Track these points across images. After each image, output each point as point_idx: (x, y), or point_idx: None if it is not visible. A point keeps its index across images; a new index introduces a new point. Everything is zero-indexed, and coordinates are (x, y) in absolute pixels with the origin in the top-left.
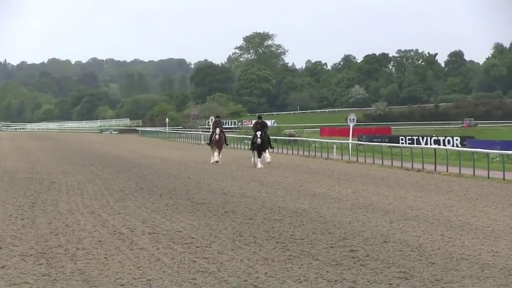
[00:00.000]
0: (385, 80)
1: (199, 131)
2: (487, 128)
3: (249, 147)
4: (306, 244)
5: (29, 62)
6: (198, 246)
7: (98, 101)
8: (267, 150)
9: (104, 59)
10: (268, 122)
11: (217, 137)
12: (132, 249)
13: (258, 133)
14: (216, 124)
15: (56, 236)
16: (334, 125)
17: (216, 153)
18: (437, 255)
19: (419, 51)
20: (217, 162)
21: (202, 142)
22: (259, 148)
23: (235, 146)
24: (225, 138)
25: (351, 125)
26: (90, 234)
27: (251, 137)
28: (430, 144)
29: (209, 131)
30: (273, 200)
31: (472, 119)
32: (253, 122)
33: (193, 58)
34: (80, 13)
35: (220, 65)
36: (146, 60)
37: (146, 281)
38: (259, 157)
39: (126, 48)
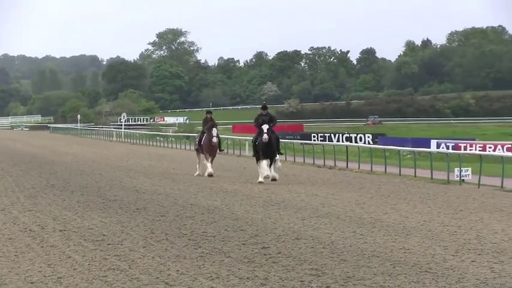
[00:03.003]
0: (297, 77)
1: (111, 128)
2: (399, 126)
3: (252, 153)
4: (218, 241)
5: None
6: (109, 244)
7: (9, 98)
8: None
9: (16, 55)
10: (180, 119)
11: (214, 139)
12: (42, 247)
13: (265, 127)
14: (211, 123)
15: None
16: (246, 122)
17: (207, 162)
18: (349, 252)
19: (332, 49)
20: (210, 175)
21: (114, 139)
22: (266, 150)
23: (147, 143)
24: (220, 142)
25: None
26: (0, 232)
27: (253, 136)
28: (342, 141)
29: (120, 128)
30: (185, 197)
31: (377, 116)
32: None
33: (105, 54)
34: None
35: (132, 61)
36: (58, 57)
37: (57, 279)
38: (271, 164)
39: (37, 45)
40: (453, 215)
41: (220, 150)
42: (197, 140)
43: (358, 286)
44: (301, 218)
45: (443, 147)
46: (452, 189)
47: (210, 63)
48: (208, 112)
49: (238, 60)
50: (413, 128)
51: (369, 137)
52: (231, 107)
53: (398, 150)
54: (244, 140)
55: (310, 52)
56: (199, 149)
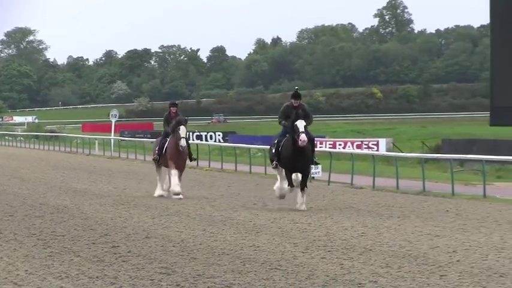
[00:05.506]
0: (147, 76)
1: None
2: (249, 124)
3: (272, 159)
4: (68, 241)
5: None
6: None
7: None
8: (311, 166)
9: None
10: (29, 118)
11: (182, 142)
12: None
13: (301, 123)
14: (178, 119)
15: None
16: (96, 121)
17: (173, 176)
18: (199, 250)
19: (182, 47)
20: (177, 194)
21: None
22: (296, 159)
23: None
24: (189, 148)
25: (113, 121)
26: None
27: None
28: (193, 140)
29: None
30: (34, 196)
31: (222, 114)
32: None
33: None
34: None
35: None
36: None
37: None
38: (304, 183)
39: None
40: (303, 212)
41: (191, 160)
42: (157, 147)
43: (208, 284)
44: (151, 216)
45: None
46: None
47: (59, 62)
48: (173, 105)
49: (87, 59)
50: (264, 126)
51: (219, 135)
52: (80, 106)
53: (249, 148)
54: (94, 139)
55: (160, 50)
56: (160, 160)
